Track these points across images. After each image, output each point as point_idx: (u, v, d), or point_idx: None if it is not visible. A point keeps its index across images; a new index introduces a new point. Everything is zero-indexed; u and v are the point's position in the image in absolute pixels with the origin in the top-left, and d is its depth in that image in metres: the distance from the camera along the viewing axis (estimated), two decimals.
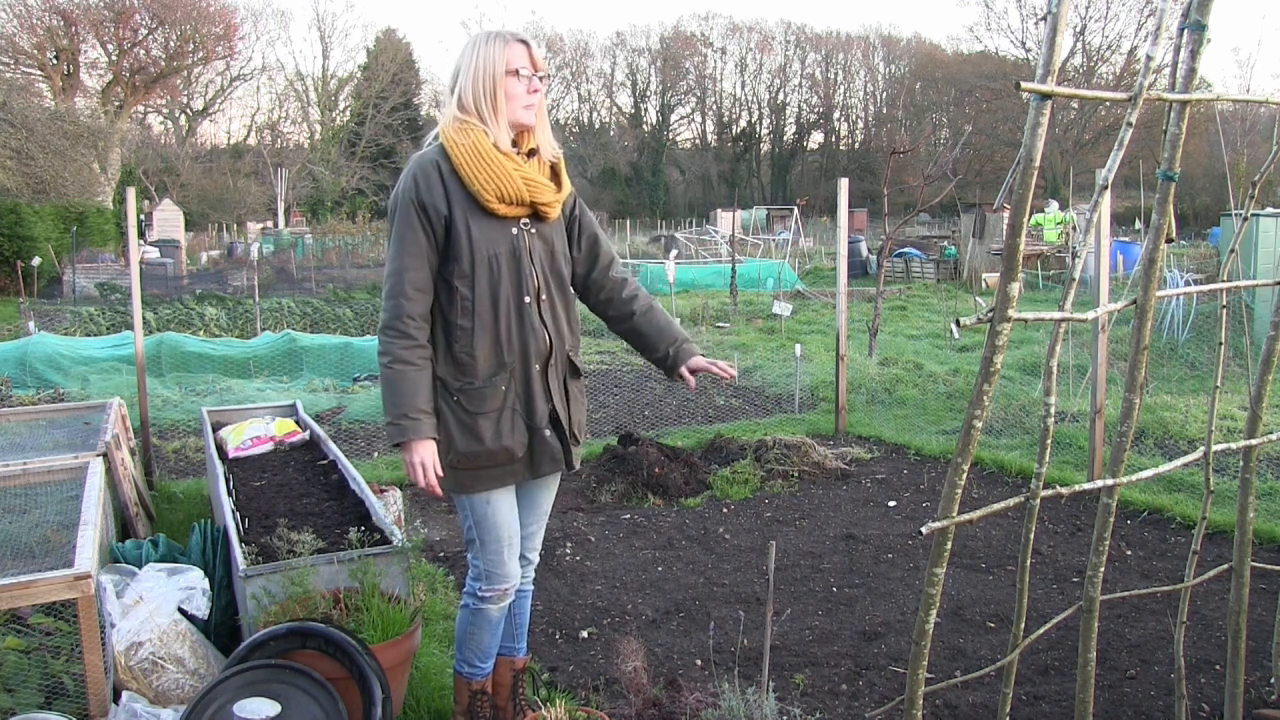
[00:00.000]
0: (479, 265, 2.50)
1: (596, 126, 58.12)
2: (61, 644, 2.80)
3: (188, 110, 43.40)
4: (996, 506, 1.88)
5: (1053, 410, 1.88)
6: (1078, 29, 46.16)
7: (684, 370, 2.76)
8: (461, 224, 2.49)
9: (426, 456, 2.47)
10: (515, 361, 2.56)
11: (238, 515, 3.73)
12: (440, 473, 2.51)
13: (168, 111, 42.70)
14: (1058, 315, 1.81)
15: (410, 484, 5.92)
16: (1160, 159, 1.98)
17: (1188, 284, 11.00)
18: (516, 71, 2.51)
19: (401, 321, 2.48)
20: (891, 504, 5.53)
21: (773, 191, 58.28)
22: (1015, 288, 1.65)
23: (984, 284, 17.62)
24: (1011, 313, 1.67)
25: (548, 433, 2.62)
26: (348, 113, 46.95)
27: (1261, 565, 2.93)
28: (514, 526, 2.68)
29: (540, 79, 2.56)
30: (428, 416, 2.48)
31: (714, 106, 60.30)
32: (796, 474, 6.01)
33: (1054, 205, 19.59)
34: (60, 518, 3.50)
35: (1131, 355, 2.04)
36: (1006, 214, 15.50)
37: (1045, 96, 1.57)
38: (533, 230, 2.59)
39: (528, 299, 2.55)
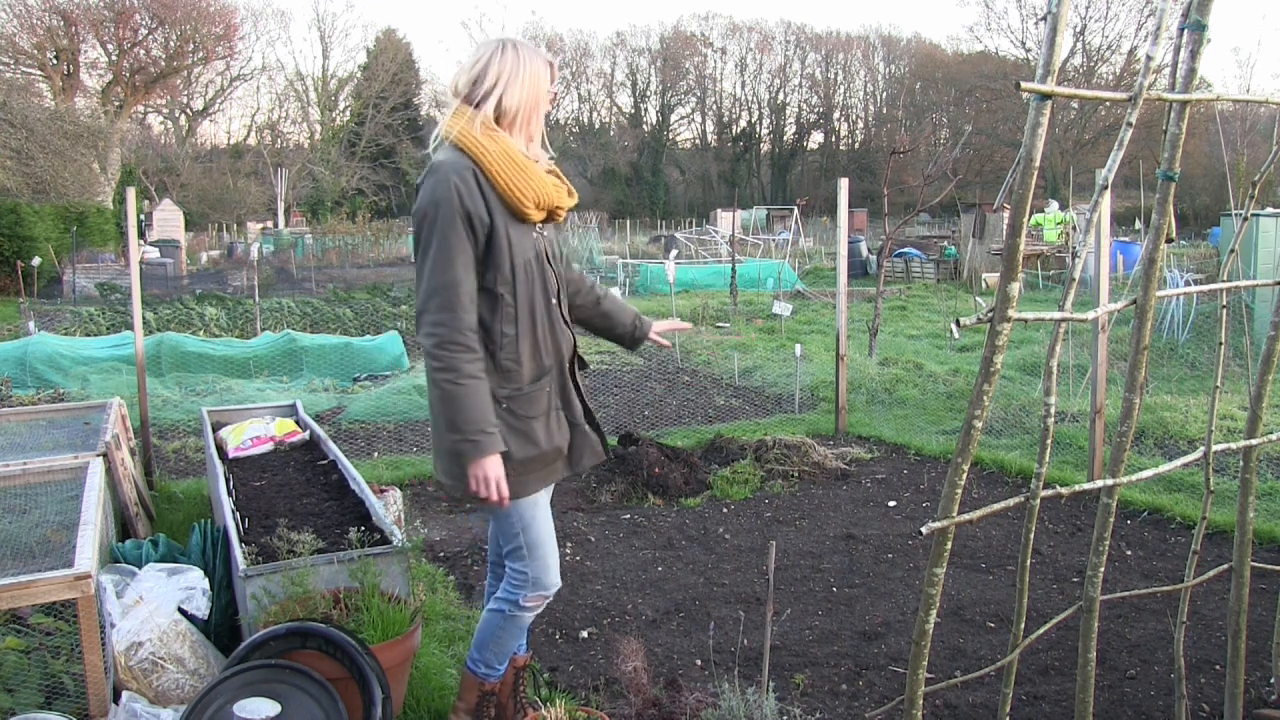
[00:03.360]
0: (519, 271, 2.52)
1: (596, 126, 58.09)
2: (61, 644, 2.80)
3: (188, 110, 43.42)
4: (996, 506, 1.88)
5: (1053, 410, 1.88)
6: (1078, 29, 46.17)
7: (653, 335, 2.98)
8: (503, 231, 2.49)
9: (499, 470, 2.46)
10: (552, 362, 2.61)
11: (238, 515, 3.73)
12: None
13: (168, 111, 42.71)
14: (1058, 315, 1.81)
15: (410, 485, 5.97)
16: (1160, 159, 1.98)
17: (1188, 284, 11.00)
18: (550, 92, 2.59)
19: (463, 335, 2.43)
20: (891, 504, 5.53)
21: (773, 191, 58.27)
22: (1015, 288, 1.65)
23: (984, 284, 17.62)
24: (1011, 313, 1.67)
25: (586, 427, 2.70)
26: (348, 113, 46.96)
27: (1261, 565, 2.93)
28: (552, 528, 2.72)
29: None
30: (496, 429, 2.47)
31: (714, 106, 60.33)
32: (796, 474, 6.01)
33: (1054, 205, 19.58)
34: (60, 518, 3.50)
35: (1131, 355, 2.04)
36: (1006, 214, 15.48)
37: (1045, 96, 1.57)
38: (545, 234, 2.65)
39: (554, 300, 2.63)
